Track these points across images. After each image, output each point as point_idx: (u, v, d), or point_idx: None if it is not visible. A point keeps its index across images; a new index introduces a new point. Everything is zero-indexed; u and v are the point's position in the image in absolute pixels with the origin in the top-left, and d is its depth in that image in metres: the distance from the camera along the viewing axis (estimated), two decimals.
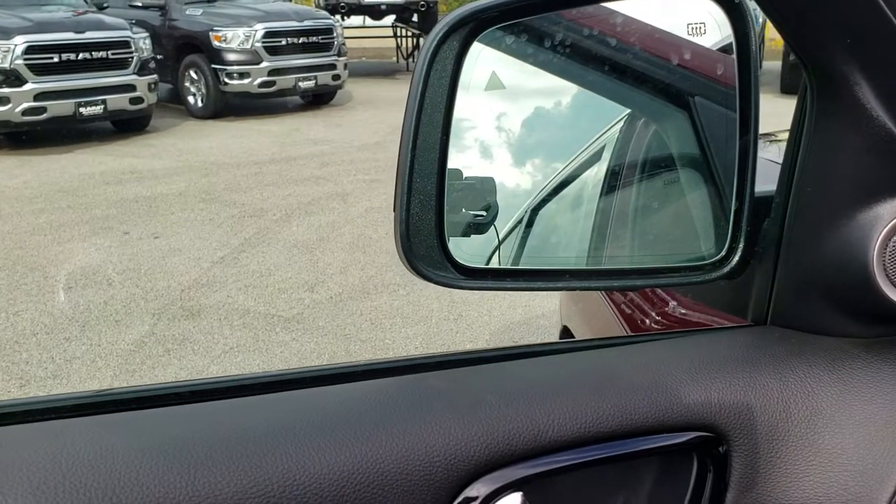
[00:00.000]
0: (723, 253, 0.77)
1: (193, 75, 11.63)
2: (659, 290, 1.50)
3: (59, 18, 9.93)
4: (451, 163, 0.75)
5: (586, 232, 0.83)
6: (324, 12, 13.67)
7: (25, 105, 9.10)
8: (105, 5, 11.86)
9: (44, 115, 9.24)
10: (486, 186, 0.80)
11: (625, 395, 0.69)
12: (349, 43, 13.27)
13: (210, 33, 11.40)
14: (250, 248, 6.02)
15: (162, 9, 12.10)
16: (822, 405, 0.70)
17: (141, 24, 11.09)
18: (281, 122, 11.24)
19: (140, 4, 12.23)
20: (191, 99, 11.68)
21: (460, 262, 0.77)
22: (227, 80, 11.30)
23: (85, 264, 5.69)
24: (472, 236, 0.80)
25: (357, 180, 7.85)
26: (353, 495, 0.58)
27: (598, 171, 0.81)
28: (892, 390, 0.70)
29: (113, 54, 9.85)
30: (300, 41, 11.68)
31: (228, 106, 11.59)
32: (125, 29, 10.15)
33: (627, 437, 0.67)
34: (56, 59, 9.36)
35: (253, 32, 11.38)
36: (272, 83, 11.42)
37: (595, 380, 0.72)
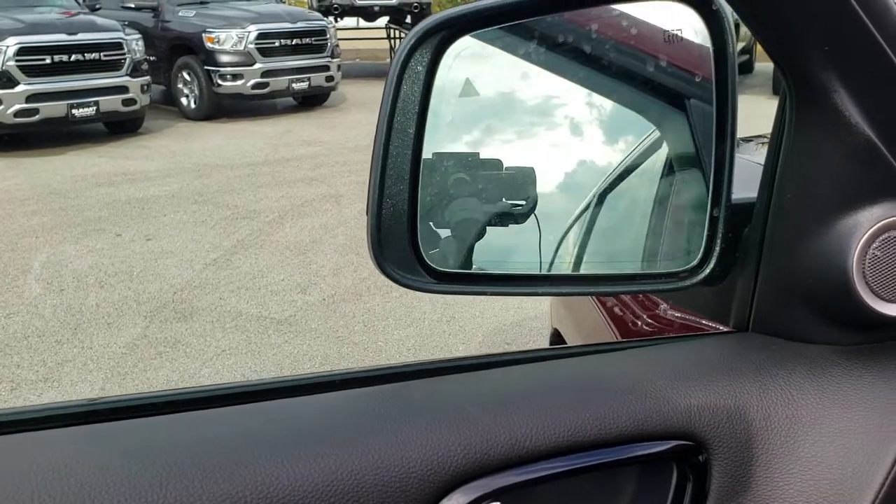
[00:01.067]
0: (698, 260, 0.77)
1: (186, 77, 11.61)
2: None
3: (51, 20, 9.90)
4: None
5: (567, 236, 0.83)
6: (317, 14, 13.66)
7: (17, 107, 9.07)
8: (97, 7, 11.84)
9: (36, 117, 9.22)
10: (526, 177, 0.80)
11: (604, 403, 0.69)
12: (343, 44, 13.26)
13: (203, 35, 11.38)
14: (243, 250, 6.01)
15: (155, 10, 12.07)
16: (801, 413, 0.70)
17: (133, 25, 11.07)
18: (274, 123, 11.22)
19: (133, 6, 12.20)
20: (184, 100, 11.66)
21: (433, 266, 0.78)
22: (220, 81, 11.28)
23: (77, 266, 5.67)
24: (447, 239, 0.80)
25: (350, 182, 7.84)
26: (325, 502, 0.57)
27: (581, 175, 0.81)
28: (871, 398, 0.70)
29: (105, 56, 9.82)
30: (293, 43, 11.67)
31: (221, 107, 11.57)
32: (117, 30, 10.12)
33: (606, 445, 0.67)
34: (48, 61, 9.34)
35: (246, 34, 11.37)
36: (265, 85, 11.40)
37: (575, 388, 0.72)
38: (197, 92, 11.49)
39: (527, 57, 0.81)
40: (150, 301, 5.06)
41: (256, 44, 11.39)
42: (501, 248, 0.84)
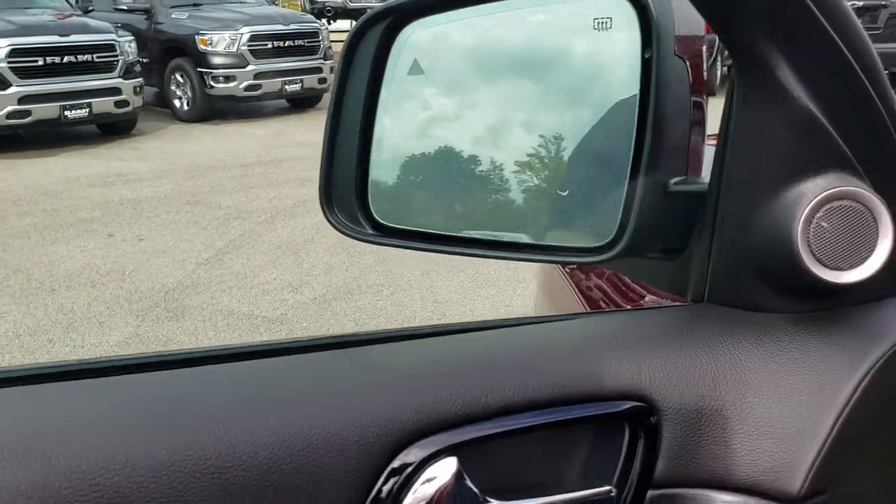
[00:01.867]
0: (611, 238, 0.79)
1: (179, 79, 11.62)
2: (624, 277, 1.53)
3: (43, 22, 9.91)
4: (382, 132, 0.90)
5: (499, 202, 0.88)
6: (310, 16, 13.69)
7: (9, 108, 9.08)
8: (90, 8, 11.86)
9: (28, 119, 9.23)
10: (468, 145, 0.91)
11: (559, 366, 0.72)
12: (336, 47, 13.29)
13: (196, 37, 11.40)
14: (235, 250, 6.03)
15: (147, 12, 12.09)
16: (749, 376, 0.73)
17: (126, 27, 11.08)
18: (267, 125, 11.24)
19: (125, 8, 12.22)
20: (177, 102, 11.68)
21: (376, 219, 0.89)
22: (212, 83, 11.30)
23: (69, 266, 5.68)
24: (390, 197, 0.92)
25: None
26: (288, 458, 0.60)
27: (518, 146, 0.86)
28: (816, 362, 0.73)
29: (98, 58, 9.83)
30: (286, 45, 11.69)
31: (214, 109, 11.59)
32: (110, 32, 10.14)
33: (560, 405, 0.69)
34: (40, 63, 9.35)
35: (239, 36, 11.39)
36: (258, 86, 11.42)
37: (530, 352, 0.74)
38: (190, 94, 11.51)
39: (470, 40, 0.89)
40: (142, 300, 5.08)
41: (249, 46, 11.41)
42: (439, 209, 0.94)
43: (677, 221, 0.80)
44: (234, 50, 11.36)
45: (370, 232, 0.91)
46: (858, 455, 0.75)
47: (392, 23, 0.88)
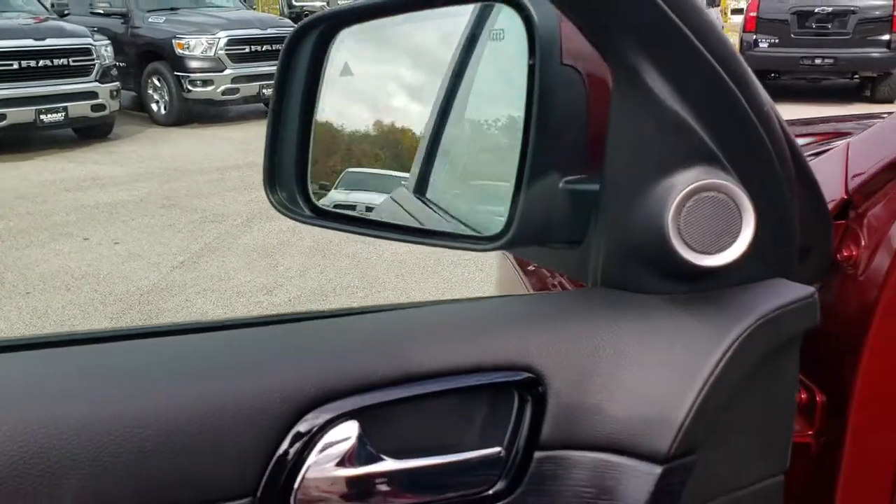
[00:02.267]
0: (500, 229, 0.87)
1: (156, 83, 11.62)
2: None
3: (18, 25, 9.87)
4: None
5: (413, 189, 1.01)
6: (287, 20, 13.74)
7: None
8: (66, 12, 11.82)
9: (3, 123, 9.19)
10: (391, 137, 1.06)
11: (458, 340, 0.79)
12: None
13: (173, 41, 11.40)
14: (210, 253, 6.06)
15: (124, 16, 12.07)
16: (627, 349, 0.80)
17: (103, 31, 11.06)
18: (244, 128, 11.25)
19: (102, 12, 12.19)
20: (154, 106, 11.67)
21: (314, 203, 1.01)
22: (190, 87, 11.31)
23: (44, 269, 5.69)
24: (325, 184, 1.05)
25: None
26: (200, 422, 0.67)
27: (437, 140, 0.95)
28: (688, 337, 0.81)
29: (74, 61, 9.81)
30: (264, 49, 11.71)
31: (192, 113, 11.59)
32: (86, 36, 10.12)
33: (457, 375, 0.76)
34: (16, 66, 9.32)
35: (216, 40, 11.40)
36: (236, 90, 11.44)
37: (432, 328, 0.81)
38: (167, 98, 11.50)
39: (393, 46, 1.01)
40: (117, 303, 5.10)
41: (227, 50, 11.43)
42: (364, 196, 1.06)
43: (575, 215, 0.88)
44: (212, 54, 11.37)
45: (308, 214, 1.02)
46: (724, 419, 0.82)
47: (326, 28, 0.98)
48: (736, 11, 22.82)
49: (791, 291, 0.86)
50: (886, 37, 12.63)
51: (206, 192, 7.84)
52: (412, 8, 0.94)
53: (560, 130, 0.85)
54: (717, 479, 0.86)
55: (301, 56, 0.99)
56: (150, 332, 0.78)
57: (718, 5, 17.90)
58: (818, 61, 12.92)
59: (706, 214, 0.79)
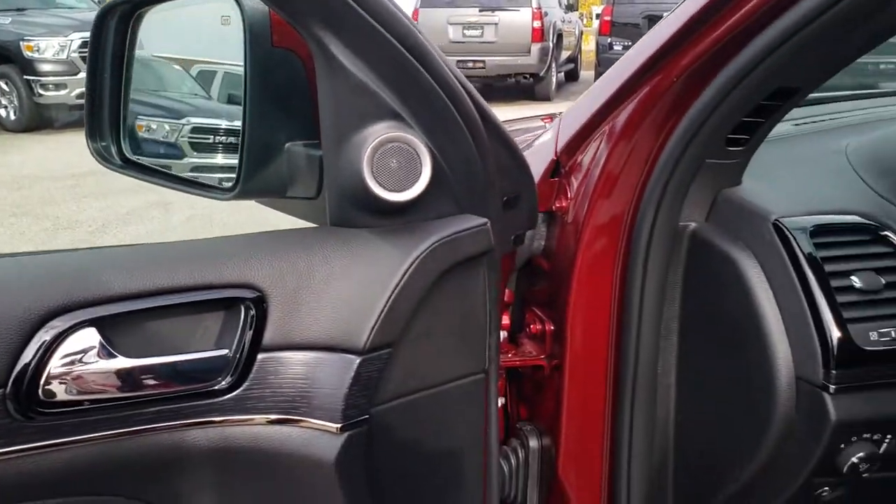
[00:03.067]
0: (231, 183, 1.09)
1: (4, 87, 11.07)
2: None
3: None
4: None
5: (189, 145, 1.28)
6: None
7: None
8: None
9: None
10: (187, 103, 1.41)
11: (193, 264, 0.95)
12: None
13: (21, 43, 10.90)
14: None
15: None
16: (335, 270, 0.99)
17: None
18: None
19: None
20: (2, 112, 11.12)
21: (125, 155, 1.27)
22: (41, 91, 10.84)
23: None
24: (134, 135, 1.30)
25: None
26: None
27: (207, 107, 1.17)
28: (383, 258, 1.00)
29: None
30: None
31: (44, 118, 11.11)
32: None
33: (190, 291, 0.93)
34: None
35: (69, 42, 10.98)
36: None
37: (172, 256, 0.98)
38: (16, 102, 10.99)
39: (177, 23, 1.27)
40: None
41: (80, 52, 11.02)
42: (158, 153, 1.34)
43: (309, 172, 1.08)
44: (64, 56, 10.94)
45: (119, 163, 1.27)
46: (419, 322, 1.03)
47: (128, 8, 1.21)
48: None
49: (467, 222, 1.08)
50: None
51: (60, 199, 7.58)
52: None
53: (281, 102, 1.03)
54: (420, 374, 1.07)
55: (109, 31, 1.20)
56: None
57: (577, 9, 18.64)
58: None
59: (393, 160, 1.00)
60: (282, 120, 1.08)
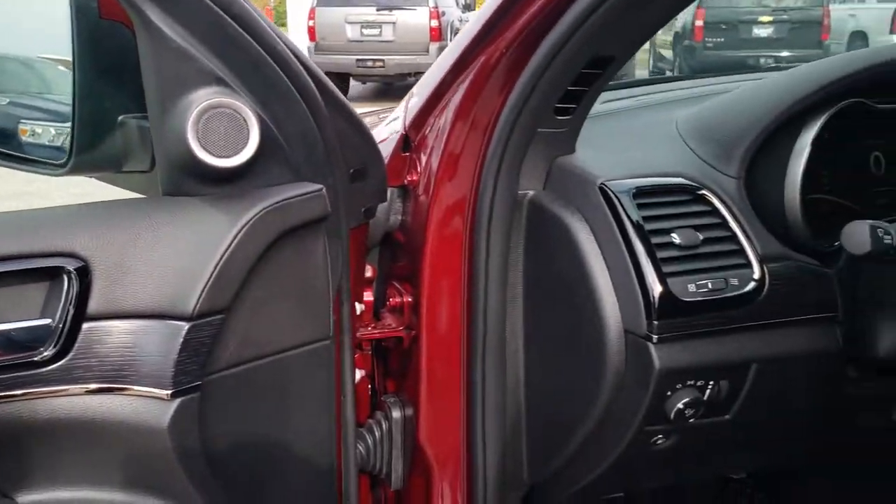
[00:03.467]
0: (65, 157, 1.09)
1: None
2: None
3: None
4: None
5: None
6: None
7: None
8: None
9: None
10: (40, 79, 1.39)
11: (15, 233, 0.96)
12: None
13: None
14: None
15: None
16: (162, 236, 1.00)
17: None
18: None
19: None
20: None
21: None
22: None
23: None
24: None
25: (69, 194, 7.52)
26: None
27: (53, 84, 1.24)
28: (211, 225, 1.01)
29: None
30: None
31: None
32: None
33: (11, 260, 0.94)
34: None
35: None
36: None
37: (8, 221, 1.00)
38: None
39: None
40: None
41: None
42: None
43: (141, 143, 1.07)
44: None
45: None
46: (255, 288, 1.05)
47: None
48: None
49: (301, 188, 1.09)
50: None
51: None
52: None
53: (112, 75, 1.03)
54: (257, 342, 1.08)
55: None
56: None
57: (474, 9, 18.88)
58: None
59: (220, 125, 1.01)
60: (114, 93, 1.08)
